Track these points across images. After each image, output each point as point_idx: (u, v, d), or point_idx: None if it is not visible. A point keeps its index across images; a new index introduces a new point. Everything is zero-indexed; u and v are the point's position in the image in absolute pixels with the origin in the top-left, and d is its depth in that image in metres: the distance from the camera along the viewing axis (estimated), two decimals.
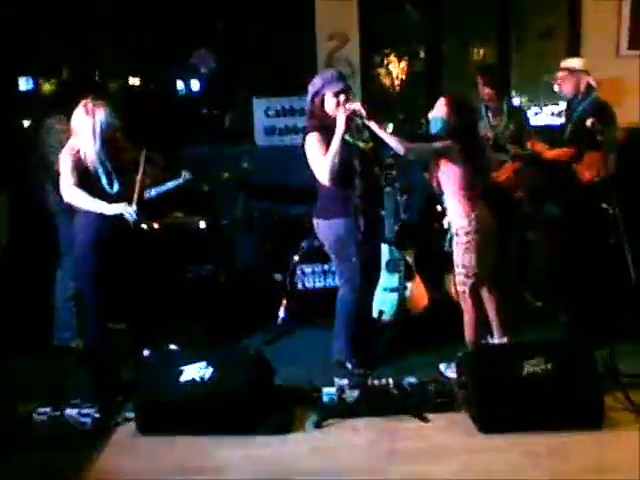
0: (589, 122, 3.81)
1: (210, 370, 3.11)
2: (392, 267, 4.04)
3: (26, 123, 5.21)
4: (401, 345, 3.92)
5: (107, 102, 3.33)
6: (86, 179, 3.26)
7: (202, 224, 4.46)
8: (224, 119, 5.64)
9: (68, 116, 3.71)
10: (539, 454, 2.78)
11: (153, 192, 3.51)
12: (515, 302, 4.01)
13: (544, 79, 5.24)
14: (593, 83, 4.06)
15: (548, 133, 4.57)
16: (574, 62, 4.18)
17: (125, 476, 2.81)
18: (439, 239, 3.96)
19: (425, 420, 3.10)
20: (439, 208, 4.09)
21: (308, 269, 4.31)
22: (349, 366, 3.46)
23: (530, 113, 5.47)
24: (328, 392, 3.24)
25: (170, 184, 3.57)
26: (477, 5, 5.64)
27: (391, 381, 3.27)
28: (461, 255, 3.46)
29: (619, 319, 3.63)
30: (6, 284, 4.32)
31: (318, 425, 3.10)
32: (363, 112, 3.33)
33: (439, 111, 3.47)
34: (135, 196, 3.31)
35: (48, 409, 3.15)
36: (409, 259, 4.09)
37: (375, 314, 3.91)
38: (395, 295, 4.03)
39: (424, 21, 5.72)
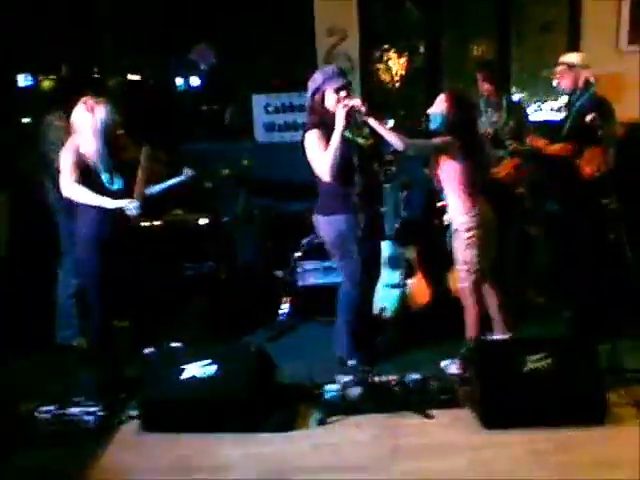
0: (589, 117, 3.80)
1: (212, 367, 3.11)
2: (393, 263, 4.04)
3: (25, 120, 5.19)
4: (403, 341, 3.92)
5: (107, 99, 3.32)
6: (87, 176, 3.26)
7: (203, 221, 4.45)
8: (224, 115, 5.63)
9: (67, 113, 3.70)
10: (543, 450, 2.79)
11: (156, 188, 3.50)
12: (517, 298, 4.00)
13: (543, 74, 5.23)
14: (592, 78, 4.05)
15: (548, 129, 4.57)
16: (573, 57, 4.17)
17: (129, 473, 2.81)
18: (440, 235, 3.97)
19: (428, 417, 3.10)
20: (439, 204, 4.09)
21: (309, 266, 4.30)
22: (351, 363, 3.47)
23: (530, 109, 5.47)
24: (331, 389, 3.24)
25: (172, 181, 3.57)
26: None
27: (394, 378, 3.27)
28: (462, 251, 3.47)
29: (621, 315, 3.63)
30: (7, 283, 4.32)
31: (321, 422, 3.10)
32: (363, 108, 3.32)
33: (439, 107, 3.46)
34: (137, 190, 3.31)
35: (52, 407, 3.15)
36: (410, 255, 4.09)
37: (377, 310, 3.92)
38: (397, 291, 4.03)
39: (423, 17, 5.71)
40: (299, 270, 4.30)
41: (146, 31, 5.33)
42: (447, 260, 3.75)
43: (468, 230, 3.43)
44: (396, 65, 5.84)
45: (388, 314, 4.01)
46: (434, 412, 3.11)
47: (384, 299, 3.99)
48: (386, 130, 3.36)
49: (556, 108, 5.43)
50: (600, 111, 3.85)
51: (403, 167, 4.18)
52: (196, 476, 2.77)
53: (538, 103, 5.65)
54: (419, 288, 4.07)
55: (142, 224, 3.72)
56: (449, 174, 3.45)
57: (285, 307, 4.32)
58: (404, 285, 4.05)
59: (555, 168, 4.14)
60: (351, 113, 3.33)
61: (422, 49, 5.75)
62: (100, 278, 3.33)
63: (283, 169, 4.52)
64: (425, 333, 3.94)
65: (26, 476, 2.80)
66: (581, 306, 3.97)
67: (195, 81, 5.64)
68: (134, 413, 3.16)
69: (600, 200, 3.75)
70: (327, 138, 3.35)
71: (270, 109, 5.21)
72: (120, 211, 3.28)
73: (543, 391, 2.95)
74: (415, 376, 3.31)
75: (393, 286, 4.03)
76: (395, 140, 3.30)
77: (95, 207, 3.28)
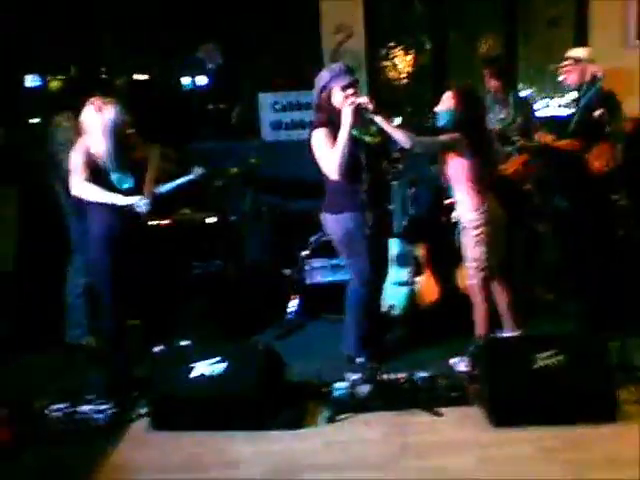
0: (597, 113, 3.79)
1: (221, 366, 3.12)
2: (401, 261, 4.04)
3: (34, 121, 5.21)
4: (412, 339, 3.92)
5: (116, 99, 3.33)
6: (97, 176, 3.28)
7: (210, 220, 4.46)
8: (231, 114, 5.63)
9: (76, 113, 3.72)
10: (552, 448, 2.78)
11: (166, 187, 3.51)
12: (525, 295, 3.99)
13: (551, 70, 5.21)
14: (599, 73, 4.03)
15: (556, 124, 4.55)
16: (579, 52, 4.15)
17: (139, 471, 2.83)
18: (448, 232, 3.96)
19: (437, 414, 3.10)
20: (447, 201, 4.08)
21: (317, 264, 4.30)
22: (360, 361, 3.47)
23: (538, 104, 5.45)
24: (339, 387, 3.24)
25: (182, 179, 3.58)
26: None
27: (403, 375, 3.27)
28: (471, 248, 3.46)
29: (631, 311, 3.61)
30: (18, 283, 4.35)
31: (330, 420, 3.10)
32: (370, 106, 3.31)
33: (446, 104, 3.45)
34: (146, 189, 3.32)
35: (63, 405, 3.16)
36: (418, 253, 4.08)
37: (385, 308, 3.92)
38: (405, 289, 4.03)
39: (428, 12, 5.69)
40: (307, 268, 4.30)
41: (153, 31, 5.34)
42: (456, 257, 3.75)
43: (477, 227, 3.42)
44: (403, 62, 5.83)
45: (396, 312, 4.02)
46: (443, 410, 3.11)
47: (392, 297, 3.99)
48: (393, 127, 3.35)
49: (564, 104, 5.41)
50: (608, 106, 3.84)
51: (410, 164, 4.18)
52: (206, 473, 2.78)
53: (546, 99, 5.63)
54: (427, 286, 4.07)
55: (150, 223, 3.72)
56: (457, 171, 3.45)
57: (293, 305, 4.32)
58: (412, 283, 4.05)
59: (564, 164, 4.13)
60: (358, 111, 3.32)
61: (428, 46, 5.74)
62: (112, 276, 3.35)
63: (290, 167, 4.52)
64: (434, 331, 3.94)
65: (37, 473, 2.82)
66: (591, 303, 3.96)
67: (202, 80, 5.64)
68: (144, 411, 3.17)
69: (609, 196, 3.74)
70: (334, 136, 3.34)
71: (277, 107, 5.21)
72: (130, 209, 3.30)
73: (553, 389, 2.93)
74: (424, 374, 3.31)
75: (401, 284, 4.04)
76: (402, 137, 3.29)
77: (105, 206, 3.30)
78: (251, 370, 3.11)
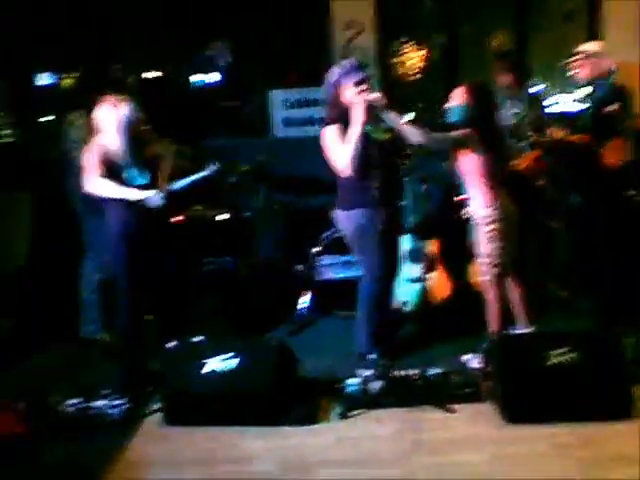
0: (612, 107, 3.75)
1: (234, 361, 3.13)
2: (413, 257, 4.04)
3: (46, 119, 5.25)
4: (424, 336, 3.92)
5: (130, 96, 3.36)
6: (112, 172, 3.31)
7: (223, 217, 4.47)
8: (242, 111, 5.64)
9: (88, 111, 3.75)
10: (567, 445, 2.76)
11: (180, 183, 3.53)
12: (538, 291, 3.97)
13: (563, 65, 5.17)
14: (612, 67, 4.00)
15: (569, 120, 4.51)
16: (591, 46, 4.11)
17: (153, 466, 2.85)
18: (460, 229, 3.95)
19: (450, 411, 3.09)
20: (459, 198, 4.07)
21: (329, 260, 4.30)
22: (372, 357, 3.46)
23: (550, 100, 5.41)
24: (352, 383, 3.24)
25: (196, 175, 3.60)
26: None
27: (415, 372, 3.27)
28: (484, 245, 3.45)
29: None
30: (33, 279, 4.38)
31: (342, 416, 3.10)
32: (381, 102, 3.30)
33: (458, 100, 3.44)
34: (160, 183, 3.35)
35: (77, 400, 3.19)
36: (431, 249, 4.08)
37: (397, 305, 3.91)
38: (417, 285, 4.02)
39: (440, 9, 5.67)
40: (319, 264, 4.31)
41: (163, 29, 5.36)
42: (468, 254, 3.74)
43: (489, 223, 3.40)
44: (413, 58, 5.81)
45: (409, 308, 4.01)
46: (456, 406, 3.10)
47: (405, 293, 3.99)
48: (404, 124, 3.34)
49: (576, 99, 5.36)
50: (621, 101, 3.80)
51: (422, 161, 4.17)
52: (219, 469, 2.79)
53: (558, 94, 5.59)
54: (440, 282, 4.06)
55: (168, 218, 3.75)
56: (469, 167, 3.43)
57: (305, 301, 4.33)
58: (424, 279, 4.04)
59: (577, 159, 4.10)
60: (369, 107, 3.31)
61: (440, 41, 5.72)
62: (130, 272, 3.40)
63: (302, 164, 4.53)
64: (446, 327, 3.92)
65: (52, 468, 2.84)
66: (605, 299, 3.93)
67: (212, 78, 5.66)
68: (157, 406, 3.19)
69: (623, 191, 3.71)
70: (346, 133, 3.34)
71: (288, 104, 5.20)
72: (144, 204, 3.32)
73: (567, 385, 2.92)
74: (436, 370, 3.30)
75: (413, 280, 4.03)
76: (414, 134, 3.29)
77: (122, 203, 3.34)
78: (264, 366, 3.12)
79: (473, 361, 3.47)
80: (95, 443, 2.97)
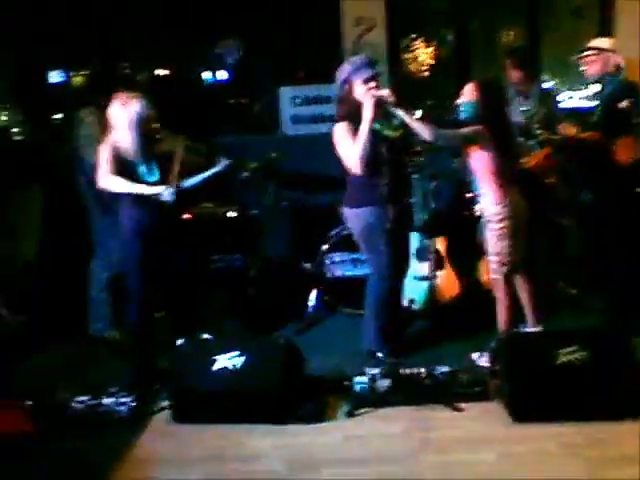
0: (624, 104, 3.72)
1: (242, 359, 3.13)
2: (422, 255, 4.02)
3: (57, 116, 5.28)
4: (432, 334, 3.90)
5: (142, 94, 3.37)
6: (124, 169, 3.33)
7: (232, 214, 4.48)
8: (251, 108, 5.64)
9: (99, 108, 3.77)
10: (575, 444, 2.74)
11: (192, 181, 3.54)
12: (548, 290, 3.94)
13: (574, 60, 5.14)
14: (622, 63, 3.96)
15: (579, 116, 4.48)
16: (601, 42, 4.07)
17: (161, 463, 2.86)
18: (469, 226, 3.93)
19: (458, 409, 3.08)
20: (469, 195, 4.05)
21: (337, 258, 4.30)
22: (380, 355, 3.46)
23: (561, 96, 5.37)
24: (359, 381, 3.24)
25: (209, 172, 3.60)
26: None
27: (423, 370, 3.26)
28: (494, 242, 3.43)
29: None
30: (42, 276, 4.41)
31: (350, 414, 3.10)
32: (391, 98, 3.29)
33: (468, 96, 3.42)
34: (171, 179, 3.36)
35: (86, 398, 3.20)
36: (439, 247, 4.06)
37: (406, 302, 3.90)
38: (426, 283, 4.01)
39: (451, 4, 5.64)
40: (327, 262, 4.30)
41: (173, 27, 5.36)
42: (477, 251, 3.71)
43: (499, 221, 3.38)
44: (424, 55, 5.78)
45: (417, 306, 4.00)
46: (464, 405, 3.09)
47: (413, 291, 3.97)
48: (415, 120, 3.33)
49: (587, 95, 5.32)
50: (633, 97, 3.77)
51: (432, 158, 4.15)
52: (227, 466, 2.79)
53: (569, 90, 5.54)
54: (448, 280, 4.04)
55: (179, 215, 3.77)
56: (480, 164, 3.41)
57: (313, 299, 4.32)
58: (433, 277, 4.03)
59: (588, 156, 4.06)
60: (379, 104, 3.30)
61: (450, 38, 5.69)
62: (143, 269, 3.42)
63: (311, 161, 4.52)
64: (455, 325, 3.91)
65: (60, 465, 2.85)
66: (615, 297, 3.90)
67: (222, 75, 5.66)
68: (165, 404, 3.20)
69: (635, 189, 3.68)
70: (356, 130, 3.32)
71: (297, 101, 5.19)
72: (156, 199, 3.34)
73: (576, 384, 2.90)
74: (444, 369, 3.28)
75: (422, 278, 4.02)
76: (424, 131, 3.27)
77: (135, 200, 3.37)
78: (272, 364, 3.12)
79: (481, 359, 3.47)
80: (103, 440, 2.98)
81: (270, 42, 5.39)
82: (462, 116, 3.45)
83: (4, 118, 5.37)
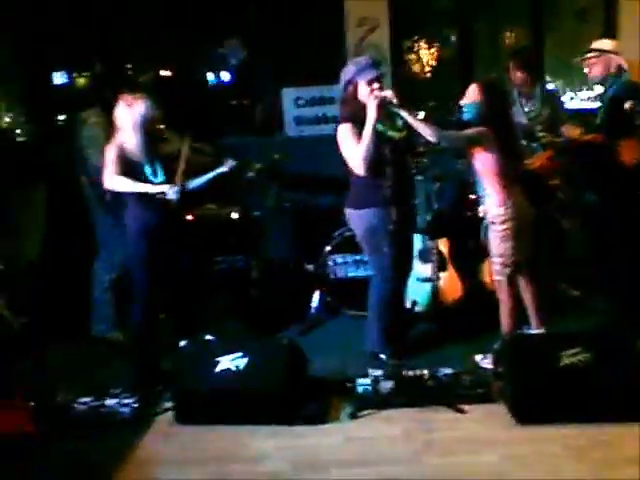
0: (627, 105, 3.71)
1: (245, 360, 3.13)
2: (425, 257, 4.01)
3: (61, 117, 5.28)
4: (435, 335, 3.90)
5: (146, 95, 3.38)
6: (130, 171, 3.34)
7: (235, 215, 4.48)
8: (254, 109, 5.64)
9: (103, 109, 3.78)
10: (579, 446, 2.74)
11: (197, 182, 3.54)
12: (550, 291, 3.94)
13: (576, 62, 5.14)
14: (624, 64, 3.95)
15: (583, 118, 4.47)
16: (604, 43, 4.07)
17: (164, 464, 2.86)
18: (472, 228, 3.92)
19: (461, 411, 3.07)
20: (472, 196, 4.04)
21: (340, 259, 4.29)
22: (383, 357, 3.45)
23: (564, 97, 5.36)
24: (362, 383, 3.23)
25: (214, 172, 3.61)
26: None
27: (426, 372, 3.25)
28: (497, 244, 3.42)
29: None
30: (44, 277, 4.41)
31: (353, 416, 3.10)
32: (395, 100, 3.28)
33: (472, 97, 3.41)
34: (177, 179, 3.36)
35: (88, 399, 3.20)
36: (442, 248, 4.05)
37: (408, 304, 3.89)
38: (428, 285, 4.00)
39: (454, 5, 5.64)
40: (330, 263, 4.30)
41: (176, 27, 5.37)
42: (480, 253, 3.70)
43: (503, 222, 3.37)
44: (427, 55, 5.78)
45: (420, 308, 3.99)
46: (467, 407, 3.09)
47: (416, 293, 3.97)
48: (418, 121, 3.32)
49: (591, 97, 5.31)
50: (636, 98, 3.76)
51: (435, 159, 4.14)
52: (229, 468, 2.79)
53: (572, 92, 5.54)
54: (451, 282, 4.03)
55: (184, 215, 3.77)
56: (483, 165, 3.41)
57: (316, 301, 4.32)
58: (436, 279, 4.02)
59: (592, 158, 4.05)
60: (383, 105, 3.29)
61: (453, 38, 5.68)
62: (148, 270, 3.43)
63: (314, 163, 4.52)
64: (458, 327, 3.91)
65: (62, 466, 2.85)
66: (619, 299, 3.89)
67: (225, 76, 5.66)
68: (168, 405, 3.20)
69: (639, 190, 3.67)
70: (360, 131, 3.32)
71: (300, 103, 5.19)
72: (161, 198, 3.35)
73: (579, 386, 2.89)
74: (448, 370, 3.28)
75: (425, 279, 4.01)
76: (427, 132, 3.27)
77: (141, 201, 3.38)
78: (275, 365, 3.12)
79: (484, 361, 3.46)
80: (106, 442, 2.98)
81: (273, 43, 5.39)
82: (465, 117, 3.44)
83: (7, 120, 5.39)
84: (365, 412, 3.11)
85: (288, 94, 5.21)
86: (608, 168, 3.93)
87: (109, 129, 3.49)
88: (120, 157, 3.33)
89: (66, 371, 3.72)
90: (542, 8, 5.40)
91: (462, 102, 3.47)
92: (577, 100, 5.54)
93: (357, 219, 3.50)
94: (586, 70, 4.11)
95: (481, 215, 3.61)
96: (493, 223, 3.43)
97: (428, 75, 5.82)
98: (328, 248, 4.28)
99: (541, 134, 4.20)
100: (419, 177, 4.02)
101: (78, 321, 4.13)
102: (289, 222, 4.66)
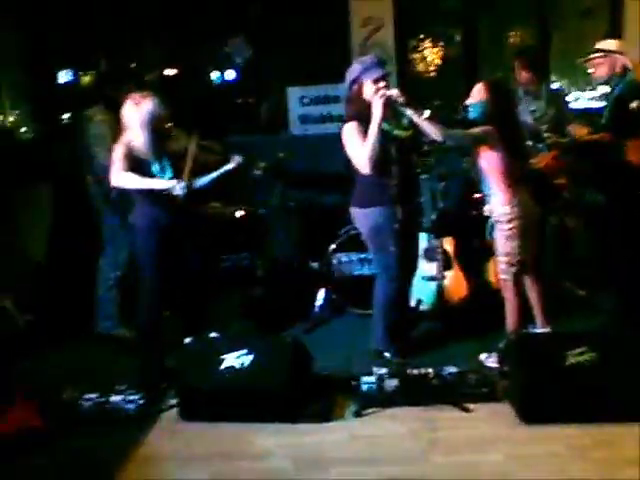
0: (635, 104, 3.70)
1: (249, 358, 3.13)
2: (430, 255, 4.01)
3: (66, 115, 5.30)
4: (441, 334, 3.90)
5: (153, 93, 3.39)
6: (138, 168, 3.35)
7: (239, 213, 4.48)
8: (259, 108, 5.65)
9: (108, 108, 3.78)
10: (583, 446, 2.73)
11: (204, 180, 3.55)
12: (555, 290, 3.93)
13: (582, 62, 5.13)
14: (629, 64, 3.94)
15: (589, 117, 4.47)
16: (609, 44, 4.06)
17: (169, 460, 2.87)
18: (478, 227, 3.92)
19: (466, 410, 3.07)
20: (477, 195, 4.04)
21: (345, 257, 4.29)
22: (388, 355, 3.45)
23: (569, 97, 5.35)
24: (367, 381, 3.23)
25: (221, 170, 3.61)
26: None
27: (431, 370, 3.25)
28: (503, 243, 3.42)
29: None
30: (50, 274, 4.43)
31: (357, 414, 3.10)
32: (400, 99, 3.28)
33: (477, 96, 3.41)
34: (184, 176, 3.37)
35: (94, 395, 3.21)
36: (447, 247, 4.05)
37: (413, 303, 3.89)
38: (433, 284, 4.00)
39: (460, 5, 5.63)
40: (335, 262, 4.30)
41: (181, 26, 5.37)
42: (486, 252, 3.70)
43: (508, 221, 3.37)
44: (432, 54, 5.78)
45: (425, 306, 3.99)
46: (472, 406, 3.08)
47: (421, 291, 3.97)
48: (424, 120, 3.32)
49: (596, 96, 5.31)
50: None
51: (441, 158, 4.14)
52: (234, 465, 2.80)
53: (578, 92, 5.53)
54: (456, 280, 4.03)
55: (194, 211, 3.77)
56: (489, 164, 3.41)
57: (321, 299, 4.32)
58: (441, 277, 4.02)
59: (599, 158, 4.05)
60: (389, 104, 3.29)
61: (459, 37, 5.68)
62: (157, 268, 3.44)
63: (319, 161, 4.52)
64: (463, 326, 3.90)
65: (68, 463, 2.86)
66: (624, 298, 3.88)
67: (231, 75, 5.67)
68: (174, 402, 3.21)
69: None
70: (365, 129, 3.31)
71: (305, 101, 5.19)
72: (169, 194, 3.35)
73: (584, 386, 2.89)
74: (453, 369, 3.27)
75: (430, 278, 4.01)
76: (433, 131, 3.26)
77: (149, 199, 3.39)
78: (279, 363, 3.12)
79: (490, 360, 3.46)
80: (111, 438, 2.98)
81: (279, 41, 5.39)
82: (471, 116, 3.44)
83: (11, 118, 5.40)
84: (369, 410, 3.11)
85: (293, 93, 5.22)
86: (614, 168, 3.92)
87: (115, 127, 3.50)
88: (128, 155, 3.34)
89: (72, 368, 3.73)
90: (547, 8, 5.40)
91: (468, 101, 3.46)
92: (583, 100, 5.53)
93: (362, 218, 3.50)
94: (591, 70, 4.11)
95: (486, 214, 3.61)
96: (499, 222, 3.43)
97: (433, 74, 5.82)
98: (333, 246, 4.28)
99: (546, 134, 4.19)
100: (424, 176, 4.02)
101: (83, 319, 4.14)
102: (294, 220, 4.65)
